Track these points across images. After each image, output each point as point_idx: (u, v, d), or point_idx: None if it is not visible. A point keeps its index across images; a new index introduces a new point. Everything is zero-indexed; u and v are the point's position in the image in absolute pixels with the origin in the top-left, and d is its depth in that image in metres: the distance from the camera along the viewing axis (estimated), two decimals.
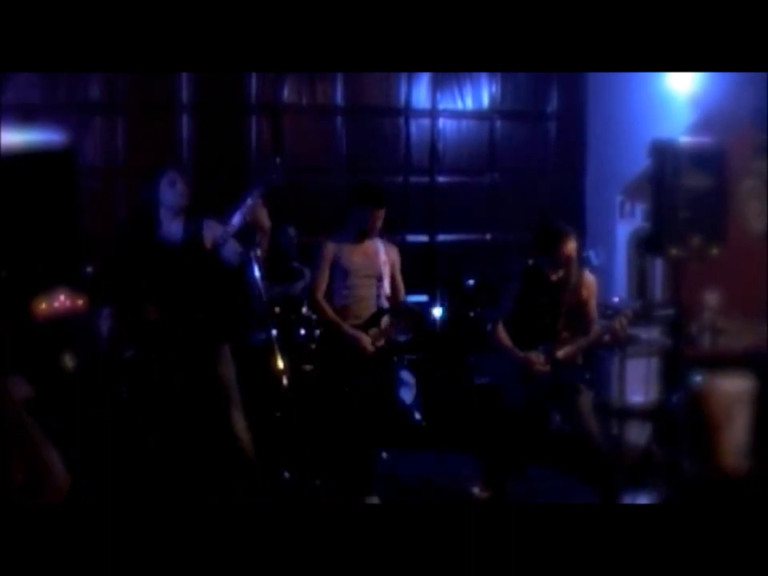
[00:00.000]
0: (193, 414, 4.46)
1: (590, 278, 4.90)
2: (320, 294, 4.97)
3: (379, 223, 4.93)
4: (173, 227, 4.50)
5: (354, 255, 4.96)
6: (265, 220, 4.42)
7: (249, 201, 4.33)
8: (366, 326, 4.97)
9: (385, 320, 5.03)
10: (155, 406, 4.50)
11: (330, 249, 4.95)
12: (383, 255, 5.02)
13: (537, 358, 4.75)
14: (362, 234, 4.97)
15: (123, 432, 5.26)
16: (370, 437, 5.07)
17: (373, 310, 5.01)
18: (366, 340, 4.91)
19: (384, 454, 5.56)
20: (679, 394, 5.31)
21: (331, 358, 5.01)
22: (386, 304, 5.04)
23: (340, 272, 4.96)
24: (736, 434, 5.34)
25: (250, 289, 4.52)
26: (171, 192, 4.45)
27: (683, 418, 5.26)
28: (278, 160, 4.54)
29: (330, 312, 4.96)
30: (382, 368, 5.11)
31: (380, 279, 5.02)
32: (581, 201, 7.69)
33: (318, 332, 5.49)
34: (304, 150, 7.13)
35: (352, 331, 4.92)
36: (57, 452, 3.57)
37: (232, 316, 4.77)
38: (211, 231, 4.47)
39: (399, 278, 5.12)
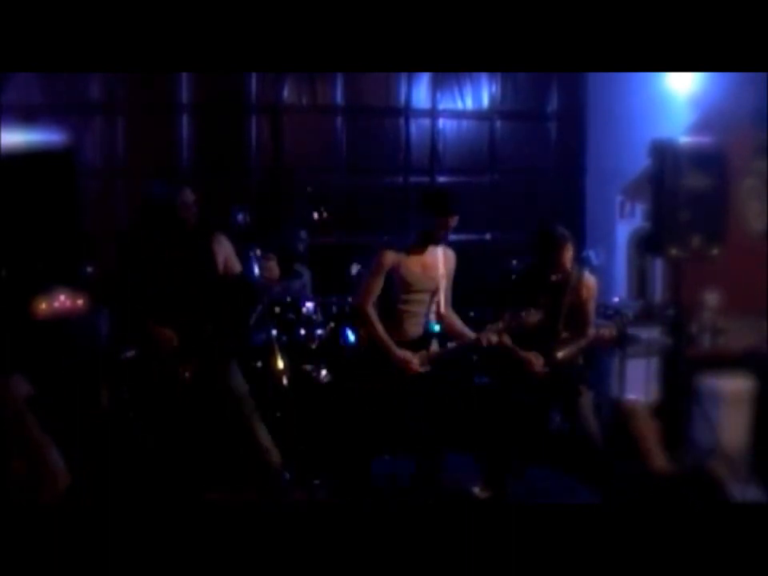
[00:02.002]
0: (211, 428, 4.40)
1: (590, 279, 4.90)
2: (370, 305, 4.56)
3: (448, 233, 4.58)
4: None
5: (414, 266, 4.57)
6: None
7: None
8: (413, 346, 4.59)
9: (434, 343, 4.68)
10: (163, 412, 4.43)
11: (390, 257, 4.54)
12: (442, 267, 4.64)
13: (536, 359, 4.75)
14: (427, 243, 4.60)
15: (122, 432, 5.26)
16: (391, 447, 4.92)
17: (421, 327, 4.64)
18: (414, 362, 4.54)
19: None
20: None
21: (367, 375, 4.62)
22: (434, 321, 4.68)
23: (396, 284, 4.56)
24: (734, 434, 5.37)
25: (249, 289, 4.51)
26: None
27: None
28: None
29: (380, 328, 4.54)
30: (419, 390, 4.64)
31: (435, 294, 4.65)
32: (581, 201, 7.69)
33: (354, 340, 5.01)
34: (304, 150, 7.13)
35: (401, 354, 4.52)
36: (57, 451, 3.58)
37: (237, 324, 4.67)
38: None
39: (450, 287, 4.73)
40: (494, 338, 4.54)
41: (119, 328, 4.99)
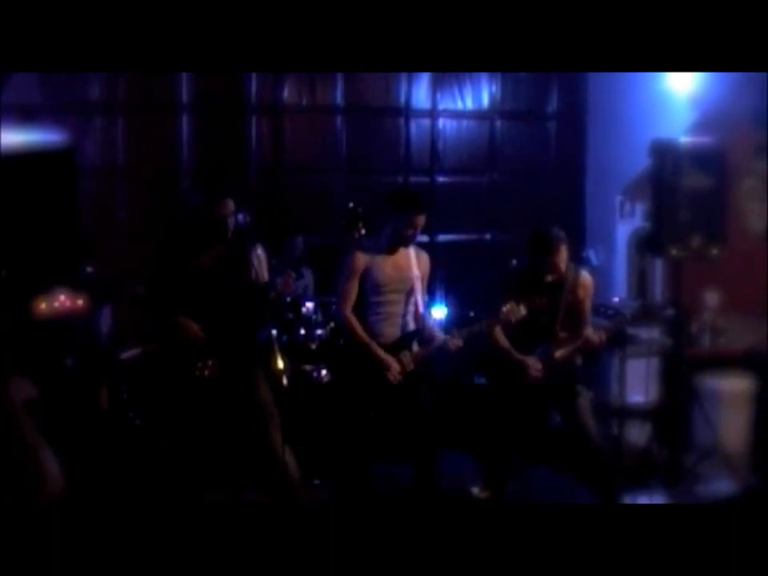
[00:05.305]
0: (226, 430, 4.40)
1: (587, 278, 4.88)
2: (349, 309, 4.58)
3: (418, 231, 4.59)
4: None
5: (387, 267, 4.59)
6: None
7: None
8: (395, 348, 4.60)
9: (414, 344, 4.67)
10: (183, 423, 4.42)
11: (362, 260, 4.55)
12: (415, 268, 4.64)
13: (533, 363, 4.73)
14: (397, 243, 4.60)
15: (122, 434, 5.27)
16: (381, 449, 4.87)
17: (399, 328, 4.65)
18: (396, 367, 4.53)
19: None
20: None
21: (356, 377, 4.64)
22: (412, 321, 4.70)
23: (370, 286, 4.58)
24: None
25: (267, 299, 4.49)
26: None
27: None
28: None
29: (360, 331, 4.56)
30: (408, 391, 4.62)
31: (410, 294, 4.65)
32: (581, 201, 7.69)
33: (341, 341, 5.06)
34: (304, 150, 7.13)
35: (384, 356, 4.54)
36: (52, 453, 3.58)
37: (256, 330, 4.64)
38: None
39: (425, 289, 4.74)
40: (459, 342, 4.60)
41: (149, 321, 4.90)
